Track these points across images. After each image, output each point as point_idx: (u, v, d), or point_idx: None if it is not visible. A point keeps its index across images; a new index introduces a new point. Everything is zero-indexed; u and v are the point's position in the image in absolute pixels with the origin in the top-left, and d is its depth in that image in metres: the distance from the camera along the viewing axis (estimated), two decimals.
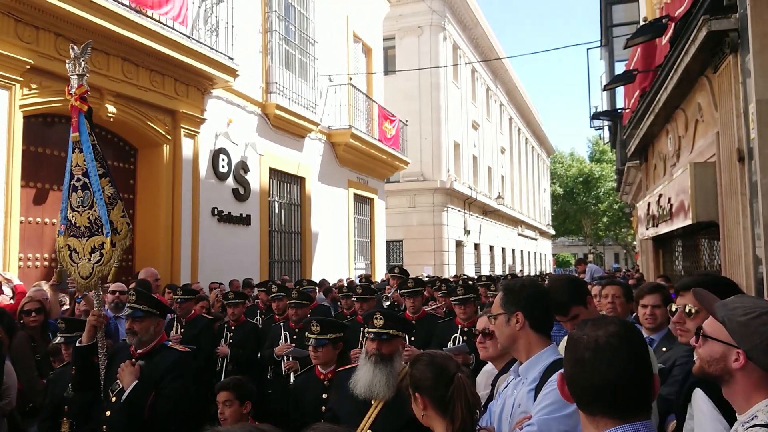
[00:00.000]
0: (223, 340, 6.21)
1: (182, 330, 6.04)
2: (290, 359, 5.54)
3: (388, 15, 18.81)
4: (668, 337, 3.59)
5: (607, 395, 1.41)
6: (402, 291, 6.22)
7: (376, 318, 3.20)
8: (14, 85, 6.69)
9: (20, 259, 7.01)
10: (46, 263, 7.57)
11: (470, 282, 8.51)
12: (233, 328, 6.32)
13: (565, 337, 3.23)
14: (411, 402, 2.31)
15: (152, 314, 3.66)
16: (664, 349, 3.57)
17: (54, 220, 7.69)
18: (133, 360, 3.57)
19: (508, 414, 2.34)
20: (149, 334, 3.63)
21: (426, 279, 11.54)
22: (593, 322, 1.52)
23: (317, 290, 9.94)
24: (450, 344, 5.12)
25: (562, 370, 1.55)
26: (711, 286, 2.71)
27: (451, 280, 12.26)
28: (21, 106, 6.79)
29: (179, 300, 6.19)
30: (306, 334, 3.84)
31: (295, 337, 5.78)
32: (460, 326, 5.32)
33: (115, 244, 3.80)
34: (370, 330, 3.19)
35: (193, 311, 6.31)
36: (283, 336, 5.91)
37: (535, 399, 2.20)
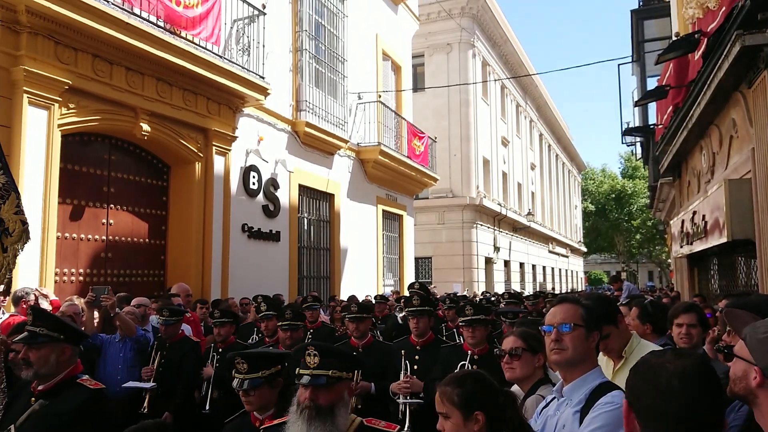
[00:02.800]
0: (210, 362, 5.56)
1: (164, 353, 5.42)
2: None
3: (417, 33, 18.93)
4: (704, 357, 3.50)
5: (693, 426, 1.41)
6: (406, 310, 5.23)
7: (309, 354, 2.38)
8: (53, 104, 6.90)
9: (56, 275, 7.17)
10: (81, 278, 7.73)
11: (493, 299, 7.37)
12: (220, 350, 5.58)
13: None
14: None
15: (54, 340, 2.86)
16: None
17: (89, 236, 7.87)
18: (33, 399, 2.86)
19: None
20: (49, 366, 2.85)
21: (439, 297, 10.31)
22: (674, 351, 1.54)
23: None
24: None
25: (623, 399, 1.54)
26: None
27: (466, 296, 11.71)
28: (59, 125, 6.99)
29: (163, 321, 5.47)
30: (233, 372, 2.92)
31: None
32: (469, 353, 4.41)
33: (6, 249, 3.12)
34: (302, 371, 2.37)
35: (180, 333, 5.51)
36: None
37: (581, 421, 2.15)
